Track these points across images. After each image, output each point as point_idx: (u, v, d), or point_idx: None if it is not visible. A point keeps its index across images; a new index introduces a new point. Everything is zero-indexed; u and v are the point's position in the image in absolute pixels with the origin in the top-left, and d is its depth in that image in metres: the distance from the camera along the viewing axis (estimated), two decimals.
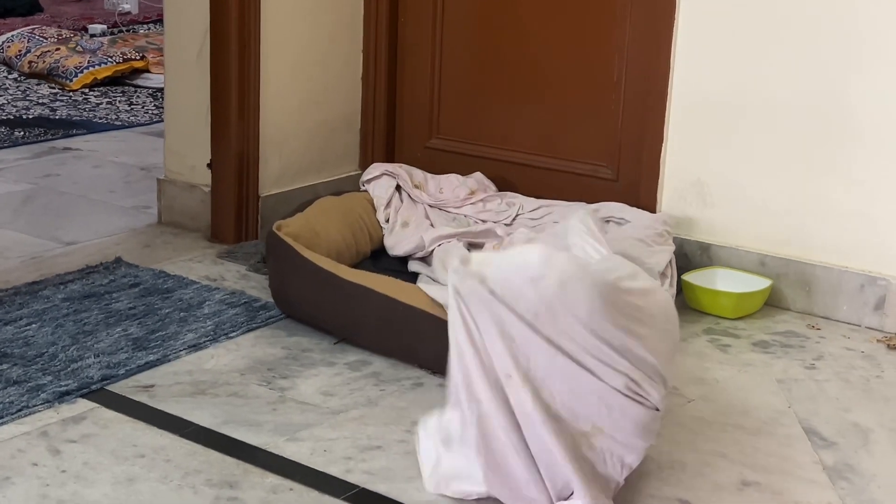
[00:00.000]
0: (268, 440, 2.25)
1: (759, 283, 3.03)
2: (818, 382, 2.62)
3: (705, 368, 2.68)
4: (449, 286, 1.99)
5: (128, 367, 2.51)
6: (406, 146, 3.70)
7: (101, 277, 3.02)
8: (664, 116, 3.18)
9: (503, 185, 3.46)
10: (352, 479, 2.12)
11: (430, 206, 3.33)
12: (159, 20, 6.93)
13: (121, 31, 6.85)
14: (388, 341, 2.64)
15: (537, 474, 1.95)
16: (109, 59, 5.71)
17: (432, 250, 3.07)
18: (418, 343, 2.56)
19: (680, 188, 3.20)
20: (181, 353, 2.61)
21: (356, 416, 2.37)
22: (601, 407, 1.96)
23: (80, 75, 5.56)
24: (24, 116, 4.97)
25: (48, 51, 5.82)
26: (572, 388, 1.95)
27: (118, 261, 3.16)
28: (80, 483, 2.06)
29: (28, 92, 5.50)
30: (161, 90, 4.93)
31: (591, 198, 3.28)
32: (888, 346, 2.84)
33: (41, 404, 2.33)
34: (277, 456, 2.19)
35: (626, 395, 1.96)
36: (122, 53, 5.81)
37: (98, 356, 2.55)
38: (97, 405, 2.36)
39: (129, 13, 7.55)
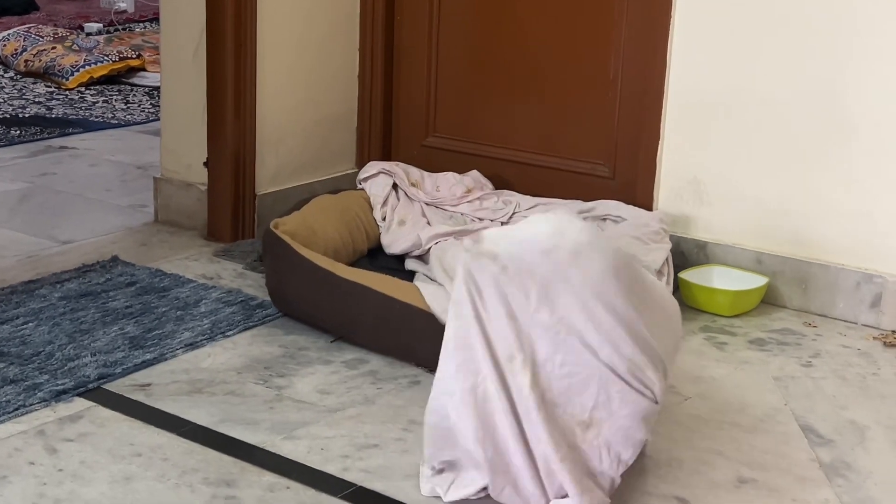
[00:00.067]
0: (265, 438, 2.25)
1: (756, 281, 3.03)
2: (815, 380, 2.63)
3: (702, 366, 2.68)
4: (460, 265, 1.97)
5: (124, 366, 2.51)
6: (403, 144, 3.70)
7: (97, 276, 3.02)
8: (661, 115, 3.18)
9: (500, 184, 3.46)
10: (349, 477, 2.12)
11: (427, 204, 3.33)
12: (155, 18, 6.92)
13: (117, 30, 6.85)
14: (385, 339, 2.64)
15: (535, 470, 1.95)
16: (106, 58, 5.70)
17: (429, 248, 3.07)
18: (415, 341, 2.56)
19: (676, 186, 3.20)
20: (178, 351, 2.61)
21: (353, 414, 2.37)
22: (600, 393, 1.95)
23: (76, 74, 5.56)
24: (21, 115, 4.97)
25: (44, 49, 5.81)
26: (572, 371, 1.94)
27: (115, 259, 3.16)
28: (77, 482, 2.06)
29: (24, 91, 5.49)
30: (157, 89, 4.93)
31: (587, 196, 3.28)
32: (884, 343, 2.84)
33: (38, 403, 2.32)
34: (274, 454, 2.19)
35: (628, 382, 1.95)
36: (119, 52, 5.80)
37: (95, 355, 2.55)
38: (94, 404, 2.35)
39: (125, 11, 7.54)
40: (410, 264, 3.09)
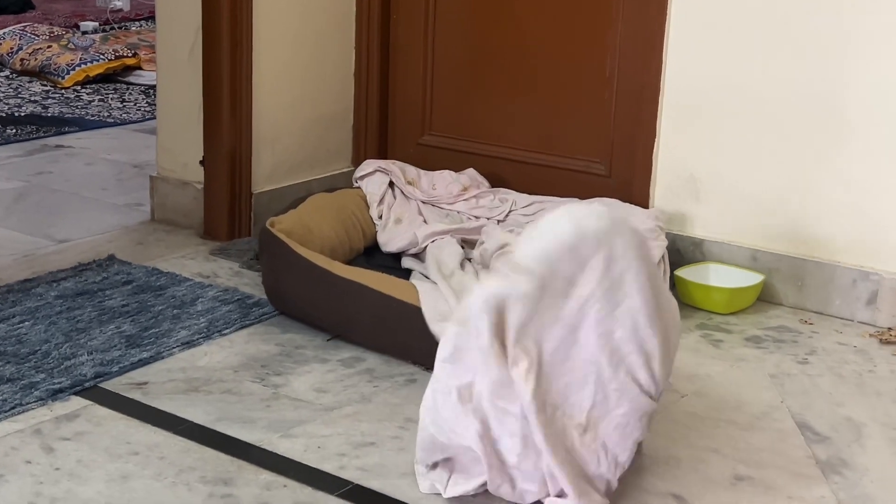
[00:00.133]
0: (261, 437, 2.25)
1: (752, 279, 3.04)
2: (811, 377, 2.63)
3: (698, 363, 2.68)
4: (490, 292, 1.94)
5: (121, 365, 2.51)
6: (399, 143, 3.70)
7: (93, 275, 3.02)
8: (657, 112, 3.18)
9: (496, 182, 3.46)
10: (345, 475, 2.12)
11: (423, 202, 3.34)
12: (151, 17, 6.92)
13: (113, 29, 6.84)
14: (381, 338, 2.64)
15: (533, 469, 1.95)
16: (101, 57, 5.70)
17: (425, 247, 3.07)
18: (412, 339, 2.56)
19: (672, 184, 3.20)
20: (174, 350, 2.61)
21: (350, 412, 2.37)
22: (597, 392, 1.94)
23: (72, 73, 5.55)
24: (16, 114, 4.96)
25: (40, 48, 5.81)
26: (573, 367, 1.93)
27: (111, 258, 3.16)
28: (74, 481, 2.06)
29: (20, 89, 5.49)
30: (153, 87, 4.93)
31: (583, 194, 3.28)
32: (881, 340, 2.85)
33: (34, 402, 2.32)
34: (271, 453, 2.19)
35: (629, 377, 1.94)
36: (114, 51, 5.80)
37: (91, 353, 2.55)
38: (91, 402, 2.35)
39: (120, 10, 7.53)
40: (407, 262, 3.09)
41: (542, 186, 3.38)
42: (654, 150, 3.21)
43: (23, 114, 4.97)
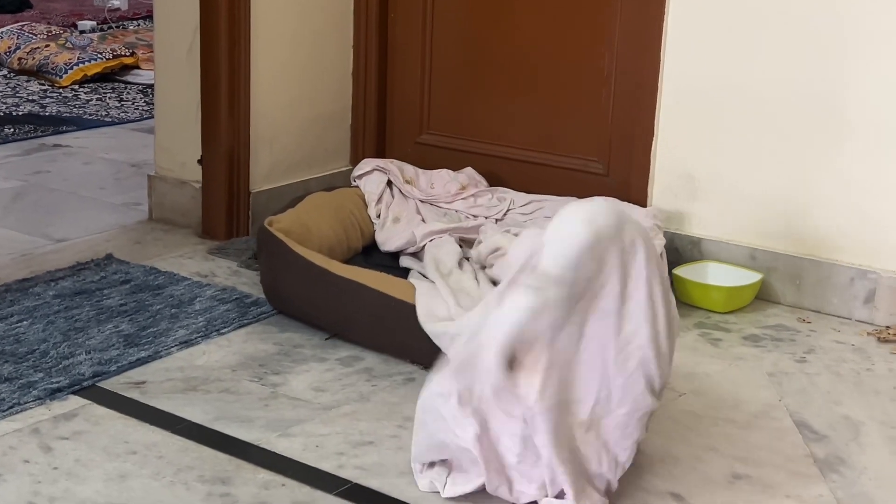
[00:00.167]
0: (260, 436, 2.25)
1: (750, 277, 3.04)
2: (809, 376, 2.63)
3: (696, 362, 2.68)
4: (507, 331, 1.93)
5: (119, 364, 2.51)
6: (397, 142, 3.70)
7: (91, 274, 3.02)
8: (654, 111, 3.18)
9: (494, 181, 3.46)
10: (344, 474, 2.12)
11: (422, 201, 3.34)
12: (149, 16, 6.91)
13: (110, 28, 6.84)
14: (380, 337, 2.64)
15: (532, 469, 1.95)
16: (99, 56, 5.69)
17: (424, 245, 3.07)
18: (410, 338, 2.56)
19: (670, 183, 3.20)
20: (172, 349, 2.61)
21: (348, 411, 2.37)
22: (601, 389, 1.94)
23: (69, 72, 5.55)
24: (14, 113, 4.96)
25: (38, 47, 5.80)
26: (581, 360, 1.94)
27: (109, 257, 3.16)
28: (72, 480, 2.06)
29: (18, 89, 5.48)
30: (151, 87, 4.92)
31: (581, 193, 3.27)
32: (878, 339, 2.85)
33: (32, 401, 2.32)
34: (269, 452, 2.19)
35: (637, 372, 1.94)
36: (112, 50, 5.79)
37: (89, 353, 2.55)
38: (89, 402, 2.35)
39: (118, 9, 7.52)
40: (405, 261, 3.09)
41: (540, 185, 3.38)
42: (653, 149, 3.21)
43: (20, 113, 4.97)
